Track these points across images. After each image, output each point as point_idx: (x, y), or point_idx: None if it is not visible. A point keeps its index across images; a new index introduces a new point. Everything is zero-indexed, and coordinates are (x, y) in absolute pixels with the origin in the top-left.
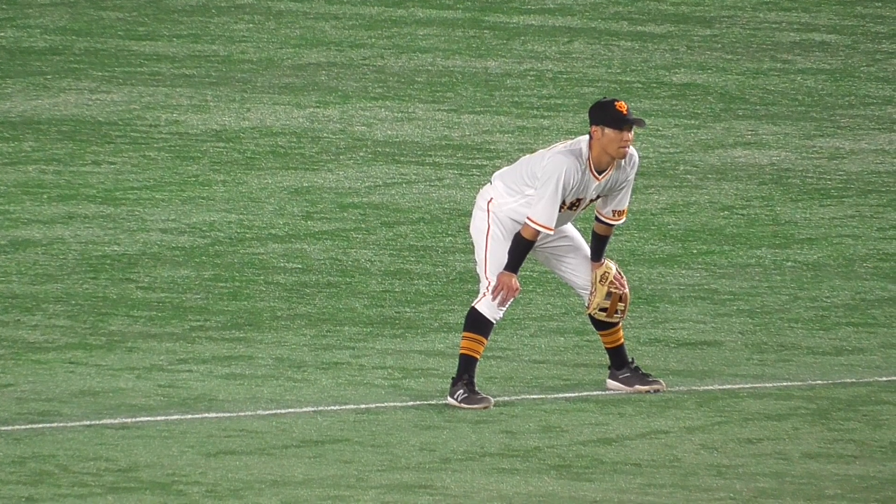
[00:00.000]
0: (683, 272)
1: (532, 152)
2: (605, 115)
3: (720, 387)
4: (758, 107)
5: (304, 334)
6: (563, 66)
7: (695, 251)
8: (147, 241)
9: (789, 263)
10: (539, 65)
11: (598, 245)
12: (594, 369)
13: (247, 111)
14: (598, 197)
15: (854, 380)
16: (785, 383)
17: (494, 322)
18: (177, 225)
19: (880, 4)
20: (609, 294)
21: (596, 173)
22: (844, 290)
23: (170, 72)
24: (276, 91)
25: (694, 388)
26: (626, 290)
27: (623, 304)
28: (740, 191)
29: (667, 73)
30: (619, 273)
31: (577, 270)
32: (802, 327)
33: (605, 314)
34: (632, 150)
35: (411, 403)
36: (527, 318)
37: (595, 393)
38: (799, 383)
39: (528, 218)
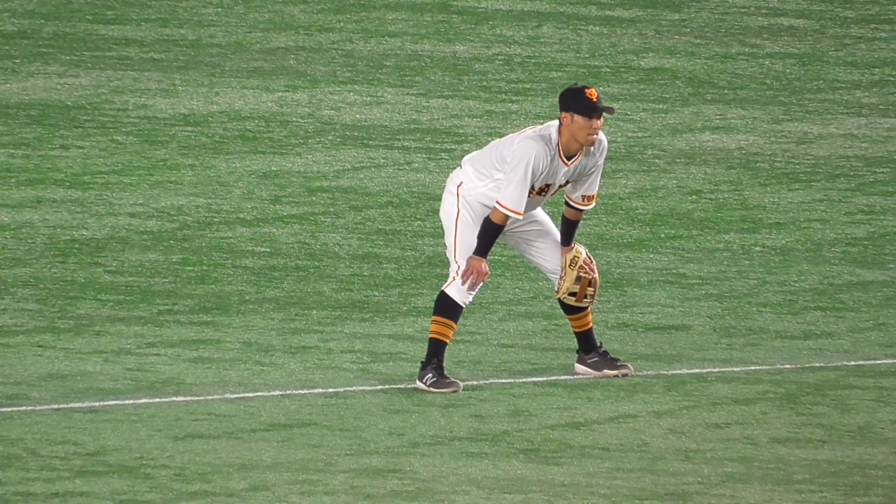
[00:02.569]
0: (652, 256)
1: (502, 137)
2: (576, 101)
3: (688, 371)
4: (726, 91)
5: (273, 318)
6: (532, 51)
7: (663, 235)
8: (115, 225)
9: (757, 248)
10: (507, 49)
11: (568, 230)
12: (563, 353)
13: (215, 95)
14: (567, 182)
15: (822, 364)
16: (753, 367)
17: (464, 306)
18: (145, 209)
19: None
20: (578, 278)
21: (565, 159)
22: (812, 274)
23: (138, 56)
24: (244, 75)
25: (662, 372)
26: (596, 275)
27: (592, 289)
28: (708, 175)
29: (635, 58)
30: (589, 258)
31: (546, 254)
32: (771, 311)
33: (574, 298)
34: (601, 135)
35: (380, 387)
36: (495, 301)
37: (563, 377)
38: (767, 367)
39: (497, 202)
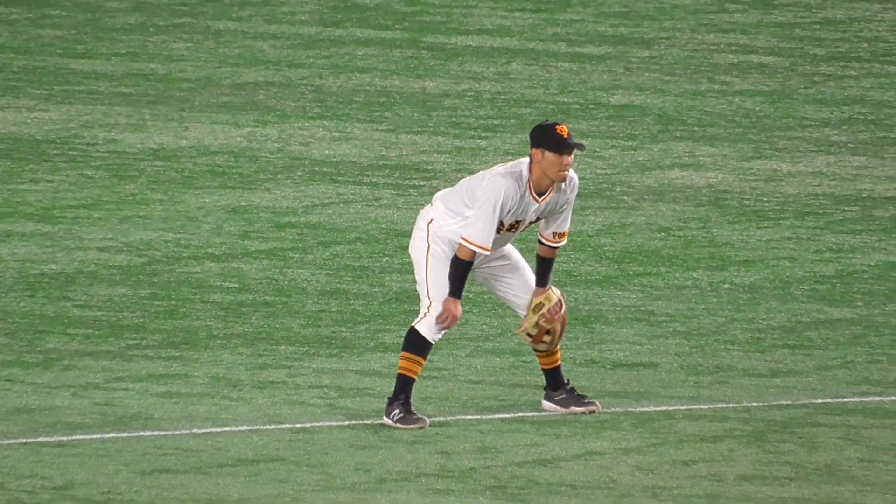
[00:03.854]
0: (620, 293)
1: (472, 173)
2: (546, 138)
3: (656, 408)
4: (695, 128)
5: (241, 353)
6: (501, 87)
7: (631, 272)
8: (84, 259)
9: (726, 285)
10: (477, 85)
11: (542, 269)
12: (530, 390)
13: (185, 130)
14: (537, 219)
15: (790, 402)
16: (720, 405)
17: (433, 343)
18: (114, 243)
19: (818, 27)
20: (537, 325)
21: (536, 195)
22: (781, 312)
23: (108, 90)
24: (214, 110)
25: (630, 409)
26: (557, 325)
27: (550, 338)
28: (677, 212)
29: (605, 95)
30: (558, 306)
31: (516, 291)
32: (738, 349)
33: (530, 339)
34: (571, 172)
35: (347, 423)
36: (462, 338)
37: (531, 414)
38: (734, 405)
39: (462, 238)
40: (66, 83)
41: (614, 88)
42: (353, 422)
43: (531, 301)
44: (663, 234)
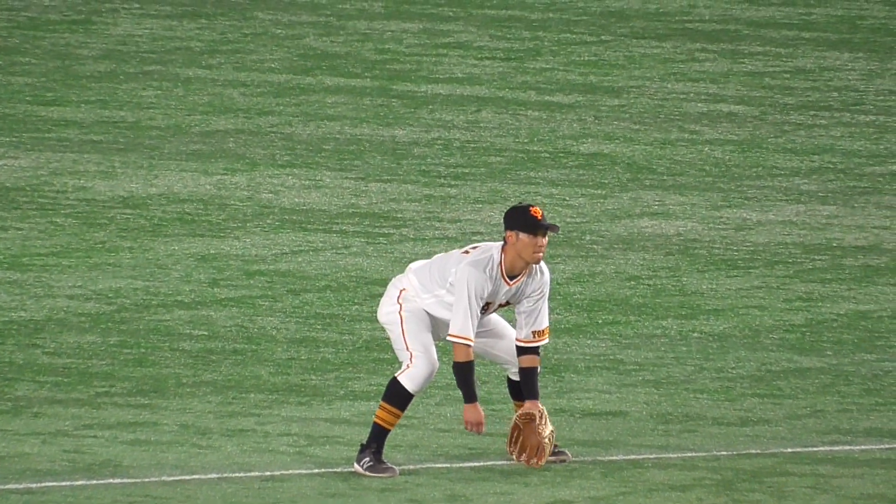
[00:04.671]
0: (589, 342)
1: (441, 221)
2: (520, 220)
3: (625, 457)
4: (665, 177)
5: (210, 401)
6: (471, 135)
7: (601, 321)
8: (53, 306)
9: (695, 334)
10: (447, 133)
11: (526, 380)
12: (499, 438)
13: (154, 178)
14: (507, 303)
15: (759, 451)
16: (690, 454)
17: (414, 395)
18: (83, 291)
19: (788, 76)
20: (513, 435)
21: (508, 278)
22: (750, 361)
23: (77, 137)
24: (183, 157)
25: (599, 458)
26: (546, 442)
27: (526, 455)
28: (647, 261)
29: (574, 143)
30: (539, 429)
31: (502, 351)
32: (708, 398)
33: (525, 452)
34: (544, 266)
35: (316, 471)
36: (432, 386)
37: (500, 462)
38: (704, 454)
39: (450, 335)
40: (35, 130)
41: (584, 137)
42: (323, 470)
43: (533, 414)
44: (633, 282)
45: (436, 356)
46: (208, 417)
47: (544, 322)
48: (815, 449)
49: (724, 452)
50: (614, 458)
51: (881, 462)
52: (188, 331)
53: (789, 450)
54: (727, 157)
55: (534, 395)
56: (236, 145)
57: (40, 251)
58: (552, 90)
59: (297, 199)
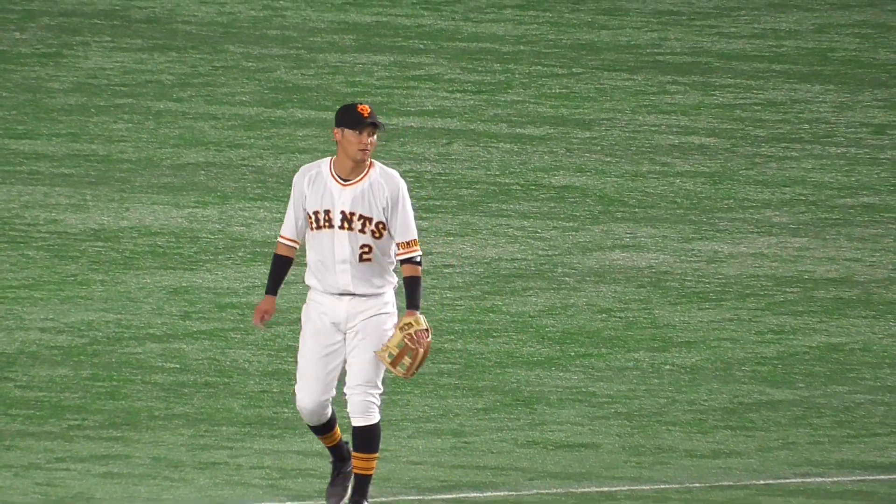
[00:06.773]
0: (561, 374)
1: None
2: (346, 117)
3: (597, 489)
4: (636, 209)
5: (182, 434)
6: (442, 168)
7: (572, 353)
8: (25, 339)
9: (667, 366)
10: (418, 166)
11: (408, 289)
12: (471, 470)
13: (126, 210)
14: (357, 215)
15: (731, 483)
16: (662, 486)
17: (311, 426)
18: (55, 324)
19: (759, 108)
20: (403, 344)
21: (340, 179)
22: (722, 393)
23: (49, 170)
24: (154, 191)
25: (571, 490)
26: (420, 350)
27: (410, 361)
28: (618, 293)
29: (545, 176)
30: (427, 332)
31: (353, 367)
32: (680, 430)
33: (389, 361)
34: (395, 174)
35: (289, 503)
36: (404, 419)
37: (472, 494)
38: (676, 486)
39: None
40: (6, 164)
41: (555, 169)
42: (296, 502)
43: (400, 320)
44: (604, 315)
45: (311, 384)
46: (180, 450)
47: (410, 233)
48: (786, 481)
49: (697, 484)
50: (587, 489)
51: (853, 494)
52: (160, 364)
53: (761, 482)
54: (698, 190)
55: (413, 306)
56: (207, 178)
57: (12, 283)
58: (523, 122)
59: (268, 232)
